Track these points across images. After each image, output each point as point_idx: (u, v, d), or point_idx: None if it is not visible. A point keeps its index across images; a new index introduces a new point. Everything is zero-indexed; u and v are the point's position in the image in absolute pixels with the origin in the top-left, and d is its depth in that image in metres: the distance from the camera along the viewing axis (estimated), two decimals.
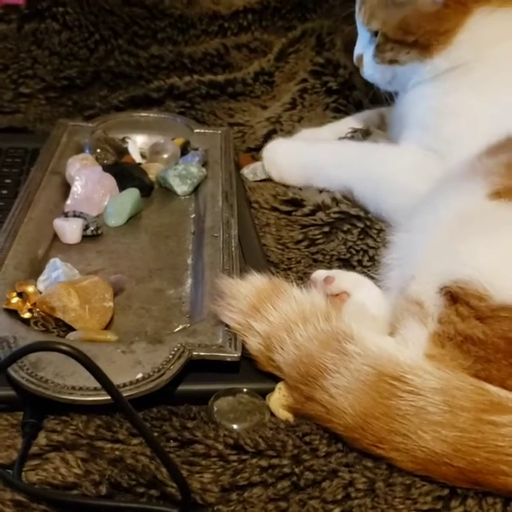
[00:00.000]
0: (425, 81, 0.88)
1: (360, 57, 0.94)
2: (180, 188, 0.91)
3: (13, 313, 0.67)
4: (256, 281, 0.67)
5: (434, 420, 0.54)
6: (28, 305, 0.68)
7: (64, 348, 0.45)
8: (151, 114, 1.06)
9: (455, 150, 0.81)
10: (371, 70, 0.93)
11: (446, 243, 0.64)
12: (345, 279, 0.72)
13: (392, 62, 0.89)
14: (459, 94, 0.85)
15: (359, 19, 0.91)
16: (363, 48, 0.93)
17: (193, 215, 0.88)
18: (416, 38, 0.85)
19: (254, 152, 1.05)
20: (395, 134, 0.95)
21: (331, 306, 0.64)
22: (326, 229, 0.87)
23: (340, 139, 1.02)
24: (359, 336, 0.60)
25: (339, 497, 0.54)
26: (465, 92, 0.84)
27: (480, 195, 0.66)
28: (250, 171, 0.98)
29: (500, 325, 0.58)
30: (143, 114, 1.05)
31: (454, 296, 0.60)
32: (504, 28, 0.84)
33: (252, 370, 0.64)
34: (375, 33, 0.89)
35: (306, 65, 1.23)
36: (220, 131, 1.03)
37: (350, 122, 1.06)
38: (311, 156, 0.96)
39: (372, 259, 0.81)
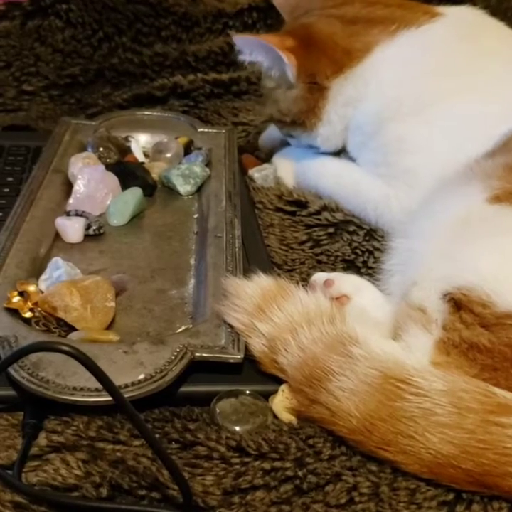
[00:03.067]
0: (358, 139, 0.90)
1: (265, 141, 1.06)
2: (184, 187, 0.90)
3: (15, 312, 0.66)
4: (261, 282, 0.66)
5: (441, 422, 0.54)
6: (30, 304, 0.67)
7: (65, 348, 0.45)
8: (155, 113, 1.05)
9: (423, 178, 0.81)
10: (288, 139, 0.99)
11: (447, 248, 0.64)
12: (346, 282, 0.72)
13: (289, 135, 0.96)
14: (399, 130, 0.85)
15: None
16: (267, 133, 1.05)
17: (196, 215, 0.87)
18: (291, 118, 0.92)
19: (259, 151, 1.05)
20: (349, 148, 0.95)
21: (336, 308, 0.64)
22: (331, 230, 0.86)
23: None
24: (364, 340, 0.60)
25: (343, 501, 0.53)
26: (404, 127, 0.84)
27: (479, 199, 0.65)
28: (261, 177, 0.97)
29: (507, 333, 0.58)
30: (146, 113, 1.05)
31: (457, 303, 0.60)
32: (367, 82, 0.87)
33: (254, 372, 0.63)
34: None
35: None
36: (224, 131, 1.02)
37: None
38: (313, 170, 0.96)
39: (377, 260, 0.81)
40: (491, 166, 0.69)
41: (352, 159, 0.93)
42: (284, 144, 1.03)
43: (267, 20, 1.32)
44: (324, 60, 0.88)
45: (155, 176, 0.92)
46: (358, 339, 0.60)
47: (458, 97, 0.82)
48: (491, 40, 0.87)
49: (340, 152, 0.99)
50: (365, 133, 0.88)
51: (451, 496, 0.54)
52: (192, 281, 0.76)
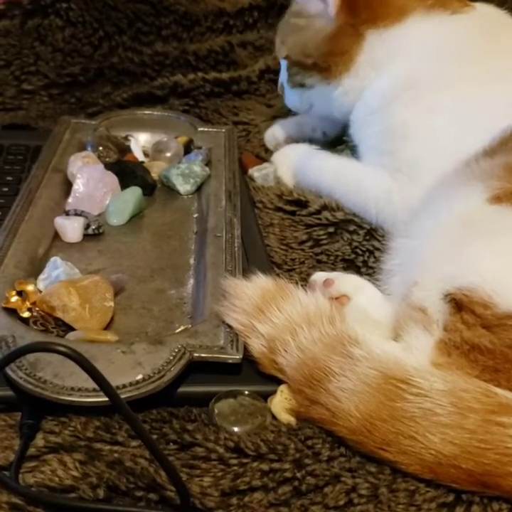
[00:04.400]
0: (365, 112, 0.88)
1: (282, 86, 0.97)
2: (183, 187, 0.90)
3: (13, 312, 0.66)
4: (261, 282, 0.66)
5: (441, 422, 0.53)
6: (28, 304, 0.67)
7: (61, 349, 0.44)
8: (155, 112, 1.05)
9: (424, 173, 0.80)
10: (290, 97, 0.96)
11: (448, 249, 0.64)
12: (346, 282, 0.71)
13: (301, 85, 0.91)
14: (406, 115, 0.84)
15: (276, 44, 0.94)
16: (283, 77, 0.95)
17: (195, 215, 0.87)
18: (314, 61, 0.87)
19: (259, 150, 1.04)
20: (356, 141, 0.94)
21: (335, 309, 0.63)
22: (331, 229, 0.86)
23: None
24: (364, 340, 0.60)
25: (341, 503, 0.53)
26: (412, 112, 0.83)
27: (480, 200, 0.65)
28: (261, 177, 0.96)
29: (508, 334, 0.57)
30: (146, 112, 1.04)
31: (458, 304, 0.60)
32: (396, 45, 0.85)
33: (253, 372, 0.63)
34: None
35: None
36: (224, 130, 1.02)
37: None
38: (313, 168, 0.95)
39: (378, 260, 0.80)
40: (491, 166, 0.69)
41: (350, 150, 0.93)
42: (287, 141, 1.02)
43: (267, 19, 1.31)
44: (366, 2, 0.86)
45: (154, 175, 0.92)
46: (358, 339, 0.60)
47: (470, 89, 0.82)
48: (510, 38, 0.87)
49: (343, 150, 0.99)
50: (371, 108, 0.86)
51: (450, 498, 0.53)
52: (191, 281, 0.75)
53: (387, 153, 0.85)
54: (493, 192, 0.65)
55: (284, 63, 0.94)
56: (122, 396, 0.56)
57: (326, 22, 0.87)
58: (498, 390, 0.55)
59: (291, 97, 0.96)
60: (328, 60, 0.87)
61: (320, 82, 0.89)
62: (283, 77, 0.96)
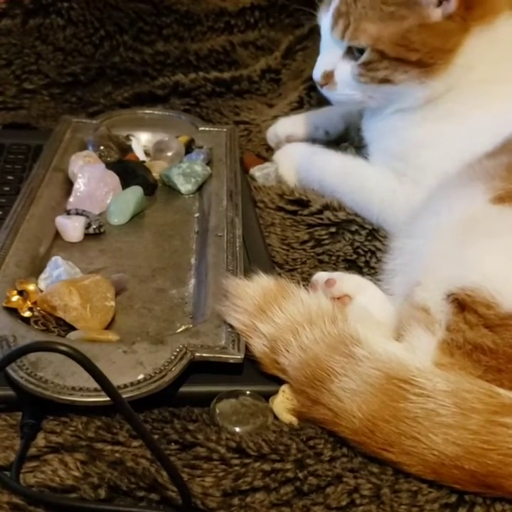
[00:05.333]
0: (404, 110, 0.83)
1: (329, 75, 0.84)
2: (184, 186, 0.90)
3: (13, 311, 0.66)
4: (262, 282, 0.66)
5: (444, 422, 0.53)
6: (29, 303, 0.67)
7: (62, 348, 0.44)
8: (156, 112, 1.05)
9: (429, 177, 0.79)
10: (349, 90, 0.84)
11: (451, 249, 0.63)
12: (348, 281, 0.71)
13: (385, 81, 0.81)
14: (434, 124, 0.82)
15: (334, 33, 0.81)
16: (334, 64, 0.84)
17: (197, 214, 0.87)
18: (420, 57, 0.78)
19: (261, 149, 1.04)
20: (367, 140, 0.92)
21: (337, 308, 0.63)
22: (333, 229, 0.85)
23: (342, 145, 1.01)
24: (366, 340, 0.59)
25: (344, 503, 0.52)
26: (440, 122, 0.82)
27: (483, 200, 0.65)
28: (262, 176, 0.96)
29: (511, 334, 0.57)
30: (147, 112, 1.04)
31: (461, 304, 0.59)
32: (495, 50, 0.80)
33: (255, 372, 0.63)
34: (359, 49, 0.81)
35: (313, 62, 1.19)
36: (225, 129, 1.01)
37: (330, 113, 1.05)
38: (316, 166, 0.94)
39: (379, 260, 0.80)
40: (494, 167, 0.68)
41: (355, 148, 0.93)
42: (289, 140, 1.02)
43: (269, 19, 1.31)
44: None
45: (156, 174, 0.91)
46: (360, 339, 0.59)
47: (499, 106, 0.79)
48: None
49: (347, 148, 0.99)
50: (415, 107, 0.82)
51: (453, 498, 0.53)
52: (192, 281, 0.75)
53: (398, 157, 0.85)
54: (496, 192, 0.65)
55: (337, 51, 0.83)
56: (123, 396, 0.56)
57: (437, 15, 0.78)
58: (501, 391, 0.55)
59: (349, 90, 0.84)
60: (434, 57, 0.78)
61: (412, 80, 0.80)
62: (331, 65, 0.84)
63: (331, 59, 0.84)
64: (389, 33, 0.78)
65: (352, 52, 0.82)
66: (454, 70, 0.79)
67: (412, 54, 0.78)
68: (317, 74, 0.86)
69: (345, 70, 0.83)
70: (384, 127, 0.87)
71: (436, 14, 0.78)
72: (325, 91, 0.86)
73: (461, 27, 0.78)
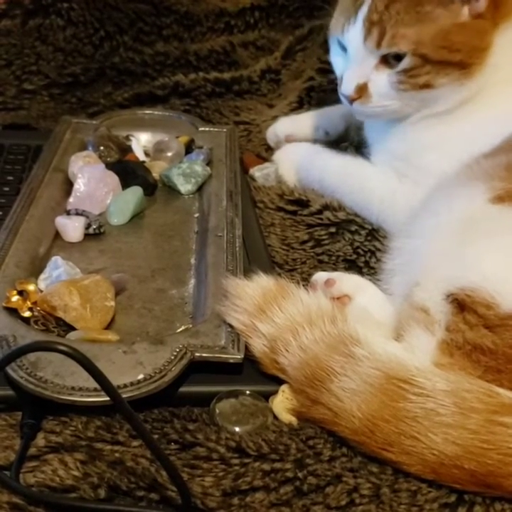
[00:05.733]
0: (436, 115, 0.81)
1: (363, 87, 0.80)
2: (184, 186, 0.90)
3: (13, 311, 0.66)
4: (262, 282, 0.66)
5: (444, 422, 0.53)
6: (29, 304, 0.67)
7: (62, 348, 0.44)
8: (156, 112, 1.05)
9: (431, 178, 0.78)
10: (385, 100, 0.80)
11: (450, 249, 0.63)
12: (347, 282, 0.71)
13: (425, 86, 0.78)
14: (448, 125, 0.81)
15: (369, 43, 0.78)
16: (367, 75, 0.80)
17: (196, 215, 0.87)
18: (461, 57, 0.76)
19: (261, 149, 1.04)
20: (369, 140, 0.92)
21: (337, 308, 0.63)
22: (333, 229, 0.85)
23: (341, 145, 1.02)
24: (366, 340, 0.59)
25: (343, 503, 0.52)
26: (457, 124, 0.81)
27: (482, 200, 0.65)
28: (262, 176, 0.96)
29: (511, 334, 0.57)
30: (147, 112, 1.04)
31: (461, 304, 0.59)
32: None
33: (255, 372, 0.63)
34: (396, 57, 0.78)
35: (313, 63, 1.21)
36: (225, 130, 1.01)
37: (330, 113, 1.05)
38: (316, 166, 0.94)
39: (379, 260, 0.80)
40: (493, 166, 0.68)
41: (355, 148, 0.92)
42: (289, 140, 1.02)
43: (269, 19, 1.31)
44: None
45: (156, 175, 0.91)
46: (360, 339, 0.59)
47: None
48: None
49: (347, 147, 0.99)
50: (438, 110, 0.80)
51: (453, 498, 0.53)
52: (192, 281, 0.75)
53: (401, 157, 0.85)
54: (496, 192, 0.65)
55: (370, 61, 0.79)
56: (123, 396, 0.56)
57: (466, 13, 0.76)
58: (501, 390, 0.55)
59: (387, 101, 0.81)
60: (473, 56, 0.77)
61: (453, 82, 0.78)
62: (364, 77, 0.80)
63: (363, 71, 0.80)
64: (429, 35, 0.75)
65: (386, 62, 0.79)
66: (486, 69, 0.78)
67: (454, 55, 0.76)
68: (349, 88, 0.81)
69: (381, 80, 0.79)
70: (388, 127, 0.86)
71: (466, 12, 0.76)
72: (357, 106, 0.82)
73: (492, 25, 0.77)
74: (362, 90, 0.81)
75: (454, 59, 0.76)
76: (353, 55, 0.81)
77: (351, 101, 0.82)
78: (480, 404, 0.53)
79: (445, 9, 0.76)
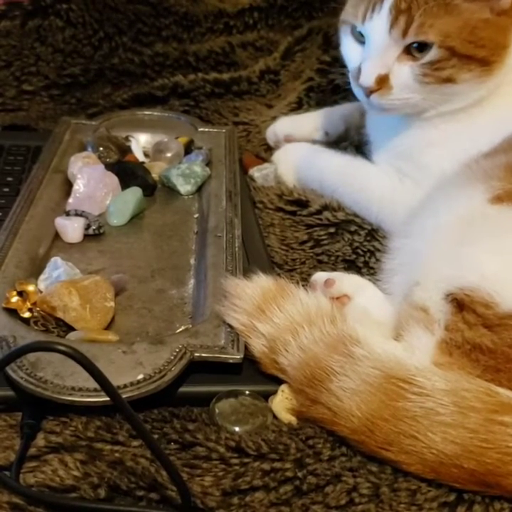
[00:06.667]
0: (452, 112, 0.80)
1: (384, 79, 0.77)
2: (184, 187, 0.90)
3: (13, 312, 0.66)
4: (262, 282, 0.66)
5: (443, 421, 0.53)
6: (28, 304, 0.67)
7: (62, 348, 0.44)
8: (155, 113, 1.05)
9: (433, 178, 0.78)
10: (406, 93, 0.78)
11: (450, 249, 0.63)
12: (347, 281, 0.71)
13: (448, 81, 0.76)
14: (455, 124, 0.81)
15: (395, 31, 0.75)
16: (389, 66, 0.77)
17: (196, 215, 0.87)
18: (486, 53, 0.75)
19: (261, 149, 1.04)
20: (371, 138, 0.92)
21: (336, 308, 0.63)
22: (332, 229, 0.85)
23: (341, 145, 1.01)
24: (365, 339, 0.60)
25: (343, 502, 0.53)
26: (465, 123, 0.80)
27: (481, 200, 0.65)
28: (261, 176, 0.96)
29: (509, 333, 0.57)
30: (146, 113, 1.04)
31: (460, 303, 0.60)
32: None
33: (254, 372, 0.63)
34: (421, 48, 0.76)
35: (312, 63, 1.21)
36: (224, 130, 1.02)
37: (330, 114, 1.04)
38: (316, 165, 0.94)
39: (379, 261, 0.80)
40: (492, 167, 0.68)
41: (355, 148, 0.92)
42: (288, 140, 1.02)
43: (268, 20, 1.31)
44: None
45: (155, 175, 0.92)
46: (359, 339, 0.60)
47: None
48: None
49: (346, 147, 0.99)
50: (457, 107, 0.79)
51: (452, 497, 0.53)
52: (192, 281, 0.75)
53: (403, 155, 0.84)
54: (494, 192, 0.65)
55: (393, 52, 0.76)
56: (123, 396, 0.56)
57: (492, 10, 0.75)
58: (500, 390, 0.55)
59: (408, 93, 0.78)
60: (495, 54, 0.75)
61: (474, 79, 0.76)
62: (386, 68, 0.77)
63: (385, 61, 0.77)
64: (457, 27, 0.74)
65: (409, 53, 0.76)
66: (504, 69, 0.77)
67: (479, 50, 0.75)
68: (369, 79, 0.77)
69: (403, 72, 0.77)
70: (393, 125, 0.85)
71: (491, 8, 0.75)
72: (375, 98, 0.79)
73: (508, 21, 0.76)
74: (382, 82, 0.78)
75: (478, 54, 0.75)
76: (374, 45, 0.78)
77: (369, 93, 0.79)
78: (479, 404, 0.54)
79: (472, 3, 0.74)
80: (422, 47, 0.76)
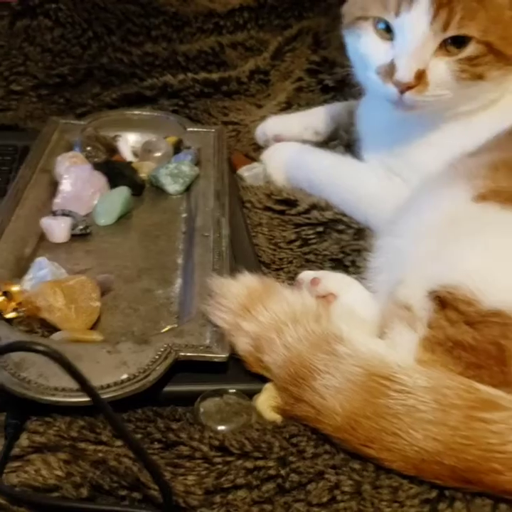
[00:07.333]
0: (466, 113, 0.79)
1: (421, 74, 0.74)
2: (172, 186, 0.90)
3: None
4: (247, 281, 0.66)
5: (424, 418, 0.54)
6: (13, 304, 0.67)
7: (40, 348, 0.44)
8: (144, 112, 1.05)
9: (420, 176, 0.78)
10: (441, 90, 0.76)
11: (433, 247, 0.64)
12: (332, 280, 0.71)
13: (479, 78, 0.75)
14: (453, 124, 0.80)
15: (435, 24, 0.73)
16: (426, 62, 0.74)
17: (184, 215, 0.87)
18: None
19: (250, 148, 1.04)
20: (361, 136, 0.92)
21: (321, 307, 0.64)
22: (320, 229, 0.86)
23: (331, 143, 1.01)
24: (349, 338, 0.60)
25: (325, 500, 0.53)
26: (464, 124, 0.80)
27: (465, 198, 0.65)
28: (250, 176, 0.96)
29: (490, 330, 0.58)
30: (135, 112, 1.04)
31: (442, 301, 0.60)
32: None
33: (239, 371, 0.63)
34: (458, 43, 0.74)
35: (302, 63, 1.22)
36: (213, 130, 1.02)
37: (319, 113, 1.04)
38: (305, 164, 0.94)
39: (366, 259, 0.80)
40: (475, 165, 0.69)
41: (344, 147, 0.92)
42: (277, 139, 1.02)
43: (258, 20, 1.31)
44: None
45: (144, 175, 0.91)
46: (343, 337, 0.60)
47: None
48: None
49: (336, 146, 0.99)
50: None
51: (434, 494, 0.53)
52: (179, 281, 0.75)
53: (395, 154, 0.84)
54: (478, 191, 0.65)
55: (431, 45, 0.74)
56: (107, 396, 0.57)
57: None
58: (481, 386, 0.55)
59: (440, 91, 0.76)
60: None
61: (500, 77, 0.76)
62: (423, 63, 0.74)
63: (422, 56, 0.74)
64: (494, 23, 0.73)
65: (444, 49, 0.75)
66: None
67: (510, 48, 0.74)
68: (409, 74, 0.74)
69: (440, 68, 0.75)
70: (385, 122, 0.85)
71: None
72: (411, 95, 0.76)
73: None
74: (420, 77, 0.75)
75: (509, 52, 0.74)
76: (412, 39, 0.74)
77: (405, 89, 0.75)
78: (460, 401, 0.54)
79: None
80: (458, 42, 0.74)
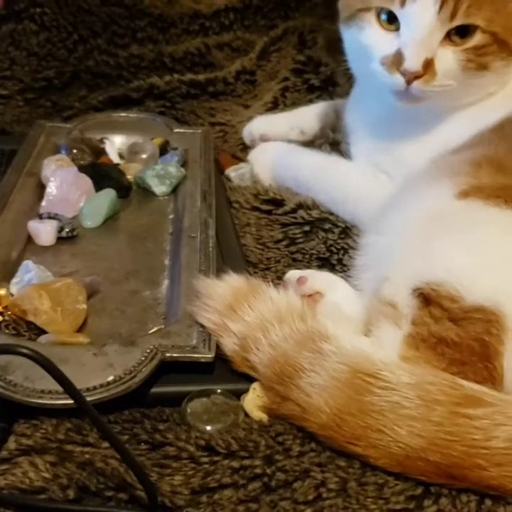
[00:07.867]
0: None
1: (430, 63, 0.74)
2: (159, 188, 0.90)
3: None
4: (233, 281, 0.67)
5: (409, 415, 0.54)
6: (0, 308, 0.67)
7: (23, 351, 0.44)
8: (130, 114, 1.05)
9: (407, 172, 0.78)
10: (447, 80, 0.76)
11: (417, 244, 0.64)
12: (319, 279, 0.72)
13: (484, 68, 0.76)
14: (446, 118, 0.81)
15: (443, 13, 0.73)
16: (434, 51, 0.74)
17: (171, 216, 0.87)
18: None
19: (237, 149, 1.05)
20: (349, 132, 0.92)
21: (307, 306, 0.64)
22: (307, 228, 0.86)
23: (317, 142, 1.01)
24: (334, 336, 0.60)
25: (310, 497, 0.53)
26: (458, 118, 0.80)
27: (447, 195, 0.65)
28: (237, 176, 0.97)
29: (474, 327, 0.58)
30: (122, 115, 1.04)
31: (426, 298, 0.60)
32: None
33: (226, 371, 0.63)
34: (463, 33, 0.74)
35: (287, 63, 1.22)
36: (200, 131, 1.02)
37: (306, 113, 1.05)
38: (291, 163, 0.94)
39: (352, 258, 0.80)
40: (457, 162, 0.69)
41: (330, 146, 0.92)
42: (263, 139, 1.02)
43: (243, 20, 1.31)
44: None
45: (130, 177, 0.92)
46: (329, 335, 0.60)
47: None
48: None
49: (322, 144, 1.00)
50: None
51: (419, 490, 0.54)
52: (166, 282, 0.76)
53: (383, 151, 0.84)
54: (460, 188, 0.65)
55: (438, 34, 0.74)
56: (93, 398, 0.57)
57: None
58: (464, 382, 0.55)
59: (446, 81, 0.76)
60: None
61: (502, 69, 0.76)
62: (431, 52, 0.74)
63: (430, 45, 0.74)
64: (499, 13, 0.74)
65: (449, 39, 0.75)
66: None
67: None
68: (417, 63, 0.73)
69: (447, 57, 0.75)
70: (373, 119, 0.85)
71: None
72: (418, 84, 0.75)
73: None
74: (428, 66, 0.74)
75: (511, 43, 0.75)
76: (419, 28, 0.74)
77: (412, 79, 0.75)
78: (443, 397, 0.54)
79: None
80: (464, 32, 0.74)
